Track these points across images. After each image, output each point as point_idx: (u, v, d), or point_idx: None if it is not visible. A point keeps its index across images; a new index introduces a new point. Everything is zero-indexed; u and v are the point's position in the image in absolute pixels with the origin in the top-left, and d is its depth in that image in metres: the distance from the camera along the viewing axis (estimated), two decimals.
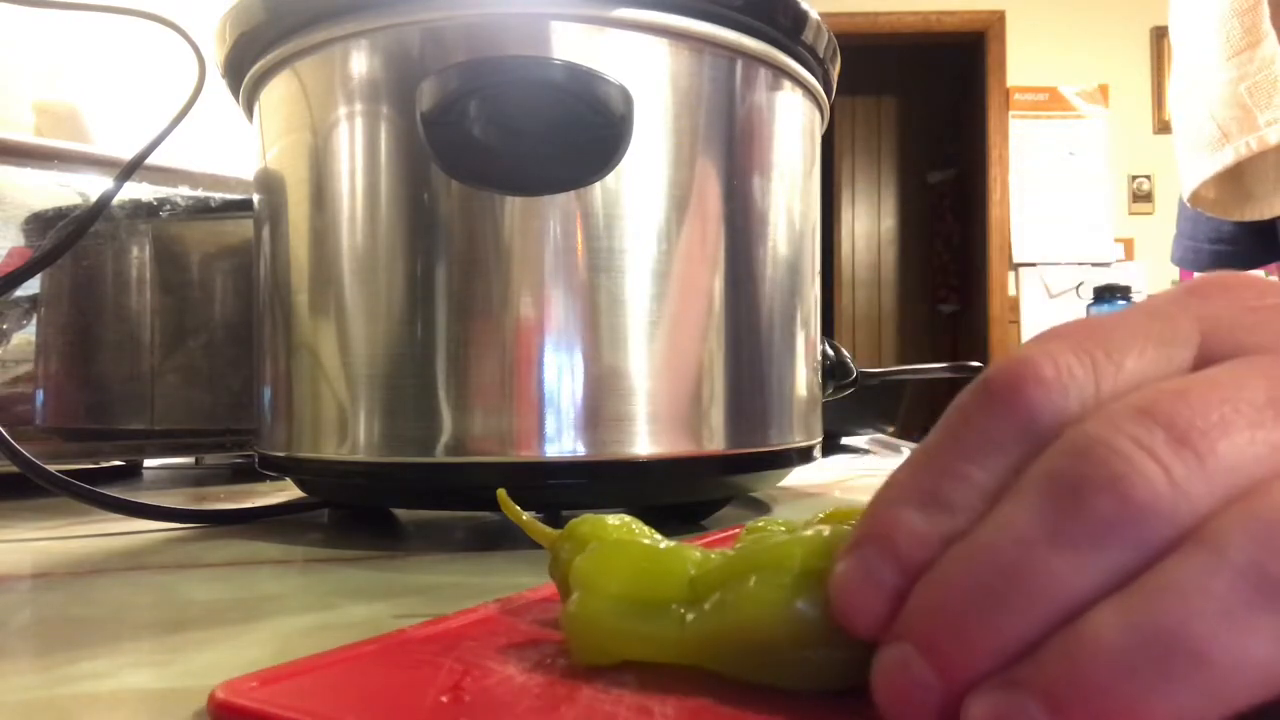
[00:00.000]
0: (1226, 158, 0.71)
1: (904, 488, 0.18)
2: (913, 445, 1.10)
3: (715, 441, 0.42)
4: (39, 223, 0.65)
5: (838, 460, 0.90)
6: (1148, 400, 0.16)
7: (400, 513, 0.51)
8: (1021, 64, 3.97)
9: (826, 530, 0.20)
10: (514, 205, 0.39)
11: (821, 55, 0.48)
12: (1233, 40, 0.69)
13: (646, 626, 0.20)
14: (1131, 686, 0.14)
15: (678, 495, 0.44)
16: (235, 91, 0.50)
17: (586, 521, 0.25)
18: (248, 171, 0.51)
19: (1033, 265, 3.97)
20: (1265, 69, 0.67)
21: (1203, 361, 0.18)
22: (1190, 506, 0.15)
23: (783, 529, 0.28)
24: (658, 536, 0.25)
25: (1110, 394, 0.17)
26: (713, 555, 0.22)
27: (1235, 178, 0.76)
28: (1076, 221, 3.96)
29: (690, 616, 0.20)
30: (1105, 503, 0.15)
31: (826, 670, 0.19)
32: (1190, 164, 0.76)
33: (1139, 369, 0.18)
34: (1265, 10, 0.67)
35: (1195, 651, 0.14)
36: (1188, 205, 0.80)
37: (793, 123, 0.47)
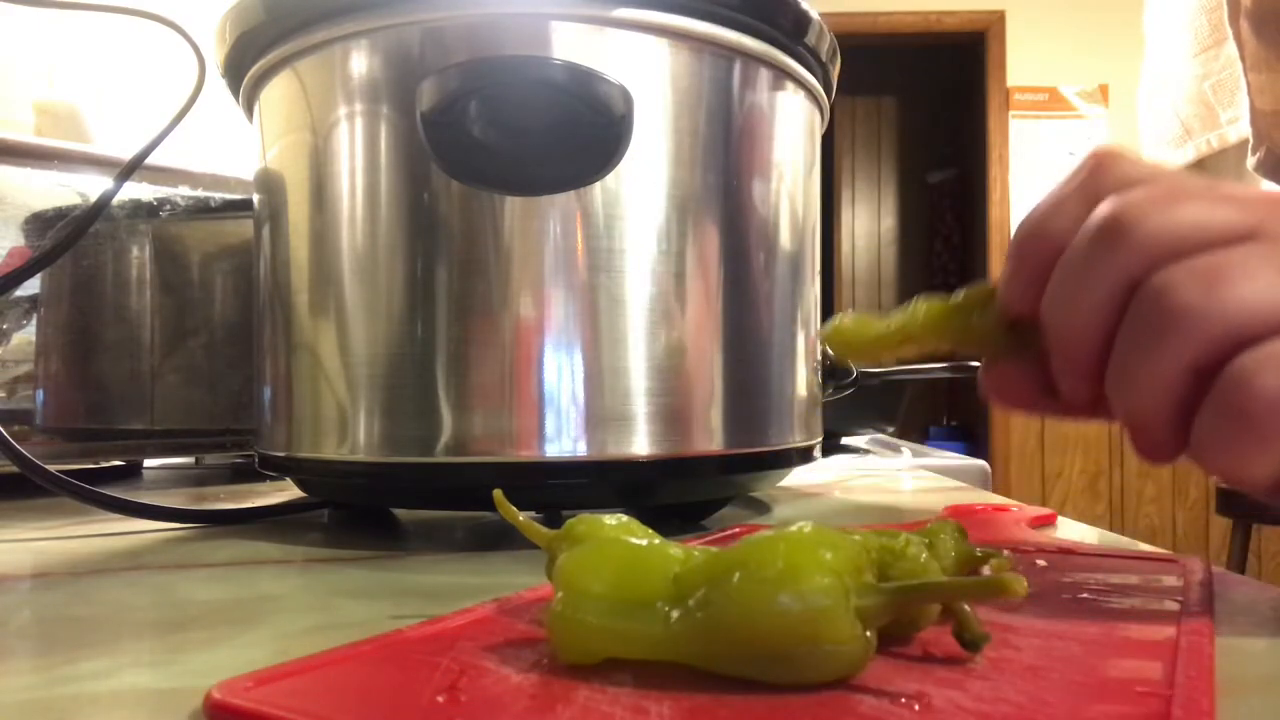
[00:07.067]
0: (1188, 154, 0.72)
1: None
2: (913, 445, 1.10)
3: (715, 441, 0.42)
4: (39, 223, 0.65)
5: (838, 460, 0.90)
6: None
7: (400, 513, 0.51)
8: (1021, 64, 3.97)
9: (808, 527, 0.20)
10: (514, 205, 0.39)
11: (822, 56, 0.48)
12: (1200, 37, 0.69)
13: (631, 624, 0.20)
14: None
15: (678, 495, 0.44)
16: (235, 91, 0.50)
17: (584, 522, 0.25)
18: (248, 171, 0.51)
19: None
20: (1229, 67, 0.67)
21: None
22: None
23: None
24: (656, 537, 0.25)
25: None
26: (695, 552, 0.22)
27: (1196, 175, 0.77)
28: None
29: (675, 614, 0.20)
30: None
31: (810, 665, 0.19)
32: (1153, 160, 0.77)
33: None
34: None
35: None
36: None
37: (793, 123, 0.47)
